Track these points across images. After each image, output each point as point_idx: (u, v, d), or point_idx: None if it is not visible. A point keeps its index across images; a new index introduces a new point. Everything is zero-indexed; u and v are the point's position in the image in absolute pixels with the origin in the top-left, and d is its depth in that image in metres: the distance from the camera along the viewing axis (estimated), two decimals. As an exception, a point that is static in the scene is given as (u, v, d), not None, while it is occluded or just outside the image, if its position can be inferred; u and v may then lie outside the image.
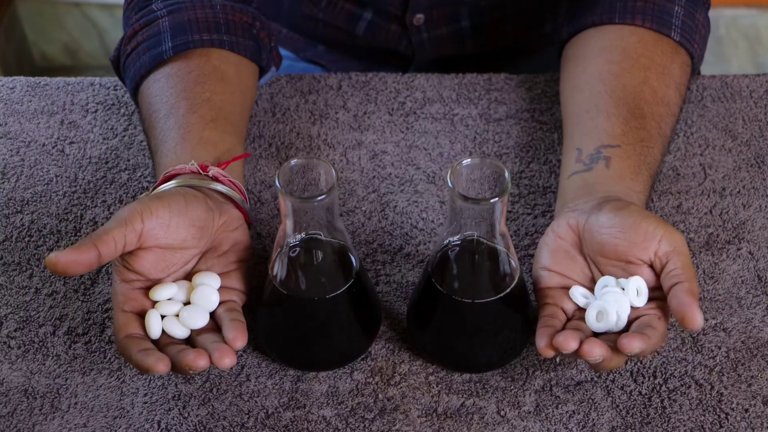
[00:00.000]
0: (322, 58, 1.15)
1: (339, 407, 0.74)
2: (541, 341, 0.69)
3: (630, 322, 0.70)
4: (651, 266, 0.72)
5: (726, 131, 0.94)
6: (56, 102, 0.98)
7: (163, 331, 0.71)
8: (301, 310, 0.73)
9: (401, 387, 0.75)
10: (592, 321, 0.70)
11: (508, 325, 0.74)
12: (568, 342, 0.67)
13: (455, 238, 0.70)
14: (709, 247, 0.84)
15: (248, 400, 0.75)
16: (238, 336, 0.69)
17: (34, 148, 0.94)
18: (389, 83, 0.99)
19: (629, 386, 0.75)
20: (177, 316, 0.71)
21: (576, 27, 0.92)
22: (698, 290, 0.69)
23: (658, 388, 0.75)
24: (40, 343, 0.78)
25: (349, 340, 0.75)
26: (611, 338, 0.69)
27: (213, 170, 0.77)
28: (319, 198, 0.65)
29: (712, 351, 0.77)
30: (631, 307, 0.71)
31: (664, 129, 0.84)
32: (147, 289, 0.72)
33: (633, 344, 0.66)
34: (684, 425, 0.73)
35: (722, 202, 0.88)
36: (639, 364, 0.77)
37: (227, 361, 0.67)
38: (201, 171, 0.76)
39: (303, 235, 0.70)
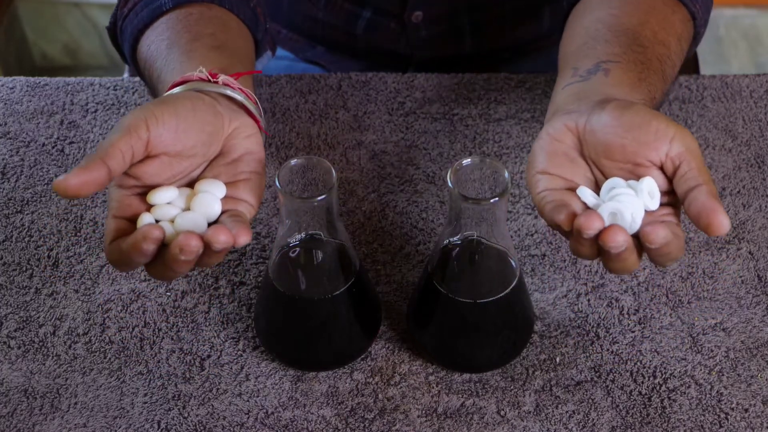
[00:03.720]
0: (321, 58, 1.15)
1: (339, 407, 0.74)
2: (559, 215, 0.63)
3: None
4: (661, 168, 0.65)
5: (726, 131, 0.94)
6: (56, 102, 0.98)
7: None
8: (301, 310, 0.73)
9: (401, 387, 0.75)
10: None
11: (508, 325, 0.74)
12: (593, 221, 0.60)
13: (455, 238, 0.70)
14: (709, 247, 0.84)
15: (248, 400, 0.75)
16: (241, 232, 0.62)
17: (34, 148, 0.94)
18: (389, 83, 0.99)
19: (629, 386, 0.75)
20: (172, 222, 0.64)
21: None
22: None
23: (658, 388, 0.75)
24: (40, 343, 0.78)
25: (349, 340, 0.75)
26: None
27: (223, 77, 0.70)
28: (319, 198, 0.65)
29: (711, 351, 0.77)
30: (645, 210, 0.64)
31: (664, 68, 0.78)
32: (144, 195, 0.65)
33: (658, 232, 0.60)
34: (684, 425, 0.73)
35: (722, 202, 0.88)
36: (639, 364, 0.77)
37: (244, 238, 0.61)
38: (210, 78, 0.70)
39: (303, 235, 0.70)
